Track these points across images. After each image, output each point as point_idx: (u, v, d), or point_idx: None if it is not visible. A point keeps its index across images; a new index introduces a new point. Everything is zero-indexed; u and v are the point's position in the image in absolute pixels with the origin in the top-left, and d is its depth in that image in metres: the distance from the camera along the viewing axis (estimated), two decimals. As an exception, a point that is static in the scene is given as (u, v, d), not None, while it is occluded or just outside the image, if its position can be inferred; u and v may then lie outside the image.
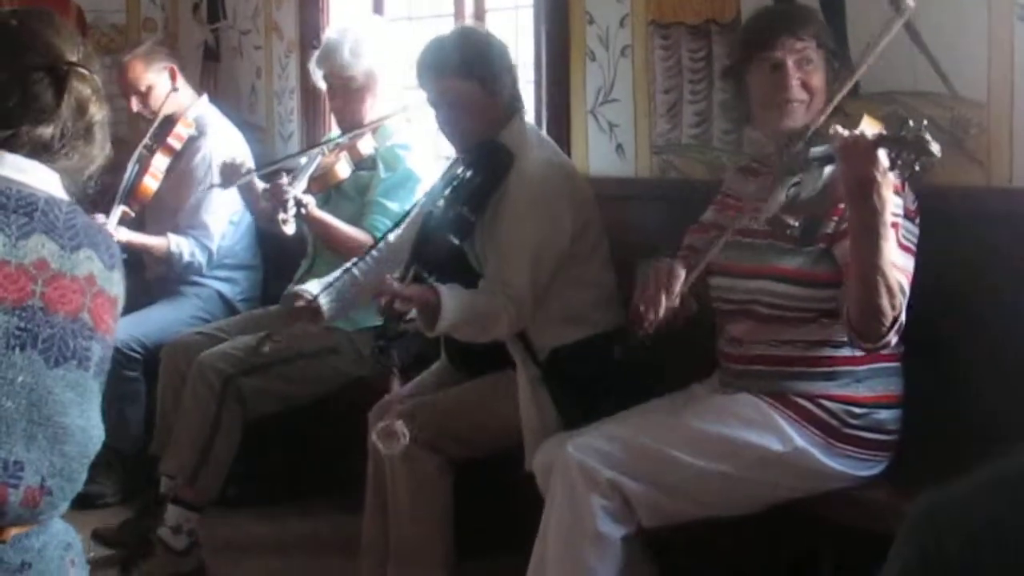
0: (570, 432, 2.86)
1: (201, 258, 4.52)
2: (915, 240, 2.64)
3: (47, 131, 1.81)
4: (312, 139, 4.81)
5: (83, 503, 3.99)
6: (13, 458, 1.68)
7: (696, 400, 2.88)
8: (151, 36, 5.63)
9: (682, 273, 2.70)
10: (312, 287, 3.49)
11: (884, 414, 2.72)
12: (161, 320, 4.41)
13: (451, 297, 3.00)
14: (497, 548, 3.33)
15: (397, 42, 4.10)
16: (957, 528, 1.41)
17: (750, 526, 2.79)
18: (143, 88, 4.65)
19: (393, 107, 4.06)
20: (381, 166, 3.95)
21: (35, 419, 1.70)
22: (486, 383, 3.35)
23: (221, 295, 4.61)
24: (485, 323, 3.08)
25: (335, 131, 4.25)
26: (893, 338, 2.56)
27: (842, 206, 2.57)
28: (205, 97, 4.86)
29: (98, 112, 1.87)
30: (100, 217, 4.30)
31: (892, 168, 2.35)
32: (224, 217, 4.55)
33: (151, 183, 4.59)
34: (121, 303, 1.88)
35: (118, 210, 4.47)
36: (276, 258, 4.61)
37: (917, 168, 2.33)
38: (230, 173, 4.09)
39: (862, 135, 2.39)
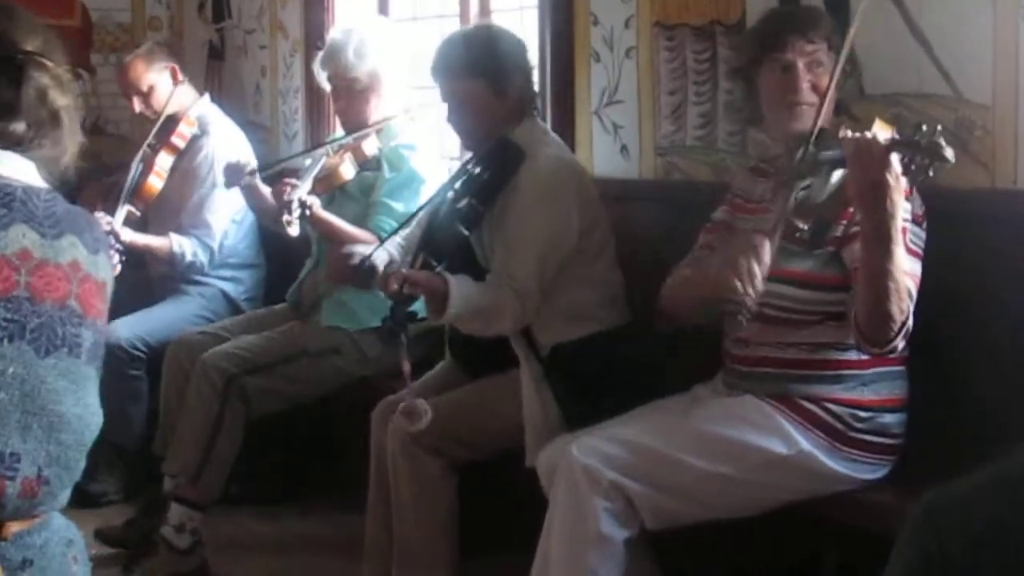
0: (574, 434, 2.86)
1: (203, 257, 4.53)
2: (922, 244, 2.63)
3: (14, 126, 1.81)
4: (316, 139, 4.82)
5: (86, 501, 4.04)
6: (9, 450, 1.68)
7: (700, 402, 2.88)
8: (156, 35, 5.64)
9: (765, 243, 2.61)
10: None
11: (889, 418, 2.72)
12: (165, 319, 4.42)
13: (459, 287, 3.01)
14: (500, 548, 3.33)
15: (401, 43, 4.09)
16: (959, 529, 1.41)
17: (753, 528, 2.78)
18: (144, 88, 4.65)
19: (397, 108, 4.06)
20: (386, 166, 3.95)
21: (29, 409, 1.71)
22: (488, 386, 3.35)
23: (225, 294, 4.61)
24: (490, 316, 3.09)
25: (339, 131, 4.26)
26: (900, 343, 2.56)
27: (851, 209, 2.56)
28: (207, 96, 4.87)
29: (60, 99, 1.85)
30: (106, 217, 4.31)
31: (905, 173, 2.34)
32: (226, 216, 4.56)
33: (155, 182, 4.60)
34: (110, 286, 1.87)
35: (123, 210, 4.48)
36: (280, 257, 4.62)
37: (931, 173, 2.32)
38: (233, 174, 4.10)
39: (875, 139, 2.38)
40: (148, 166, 4.60)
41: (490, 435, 3.27)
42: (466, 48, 3.26)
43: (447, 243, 3.13)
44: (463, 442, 3.27)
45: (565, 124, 3.77)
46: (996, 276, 2.72)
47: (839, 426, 2.69)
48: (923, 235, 2.64)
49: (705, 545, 2.94)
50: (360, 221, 3.91)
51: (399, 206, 3.87)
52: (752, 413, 2.73)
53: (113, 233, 4.26)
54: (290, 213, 3.79)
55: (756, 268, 2.57)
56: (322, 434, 4.30)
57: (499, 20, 4.28)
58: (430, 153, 4.04)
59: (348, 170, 3.99)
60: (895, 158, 2.34)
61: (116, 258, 4.25)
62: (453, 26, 4.36)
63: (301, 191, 3.83)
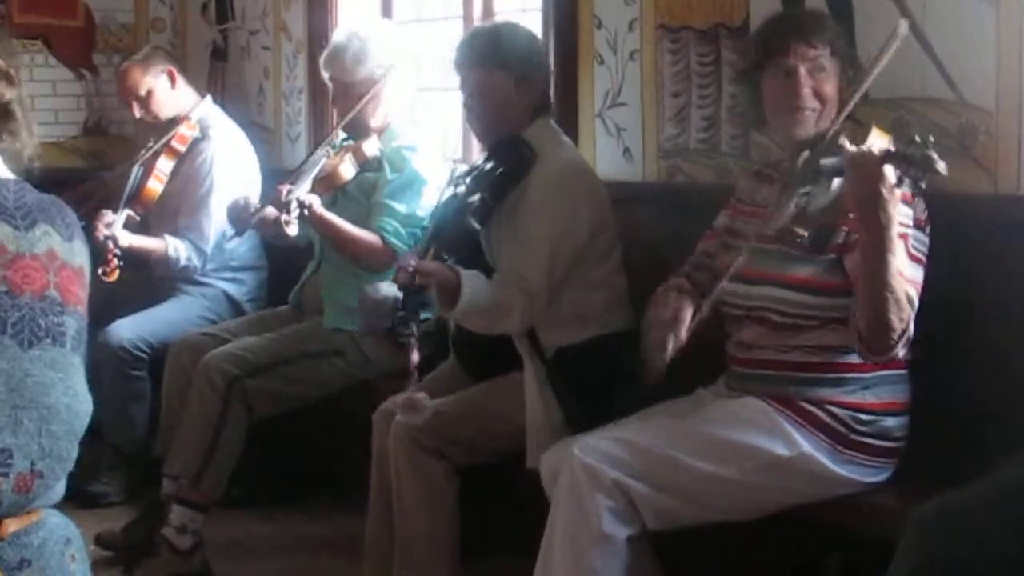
0: (576, 435, 2.86)
1: (196, 261, 4.51)
2: (925, 250, 2.64)
3: None
4: (319, 141, 4.81)
5: (87, 502, 4.04)
6: (1, 446, 1.68)
7: (703, 405, 2.88)
8: (159, 36, 5.64)
9: (688, 314, 2.75)
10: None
11: (891, 421, 2.72)
12: (167, 320, 4.41)
13: (470, 281, 3.01)
14: (501, 550, 3.33)
15: (404, 45, 4.09)
16: (963, 535, 1.41)
17: (756, 531, 2.79)
18: (142, 93, 4.63)
19: (398, 109, 4.06)
20: (387, 167, 3.95)
21: (18, 404, 1.71)
22: (489, 389, 3.35)
23: (227, 295, 4.60)
24: (498, 313, 3.09)
25: (341, 133, 4.25)
26: (901, 351, 2.57)
27: (852, 216, 2.56)
28: (208, 98, 4.85)
29: (8, 92, 1.85)
30: (108, 218, 4.31)
31: (898, 185, 2.36)
32: (222, 219, 4.53)
33: (156, 186, 4.58)
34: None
35: (123, 214, 4.46)
36: (282, 259, 4.61)
37: (923, 186, 2.33)
38: (239, 220, 4.06)
39: (869, 151, 2.39)
40: (148, 170, 4.59)
41: (493, 439, 3.27)
42: (493, 41, 3.28)
43: (457, 237, 3.14)
44: (465, 445, 3.27)
45: (568, 126, 3.75)
46: (998, 281, 2.72)
47: (841, 429, 2.69)
48: (926, 240, 2.65)
49: (708, 549, 2.94)
50: (362, 222, 3.91)
51: (401, 207, 3.86)
52: (754, 415, 2.73)
53: (112, 237, 4.26)
54: (288, 213, 3.78)
55: (670, 343, 2.73)
56: (323, 436, 4.30)
57: (502, 22, 4.29)
58: (432, 154, 4.04)
59: (348, 170, 3.98)
60: (889, 170, 2.35)
61: (115, 263, 4.26)
62: (456, 28, 4.36)
63: (300, 191, 3.83)
